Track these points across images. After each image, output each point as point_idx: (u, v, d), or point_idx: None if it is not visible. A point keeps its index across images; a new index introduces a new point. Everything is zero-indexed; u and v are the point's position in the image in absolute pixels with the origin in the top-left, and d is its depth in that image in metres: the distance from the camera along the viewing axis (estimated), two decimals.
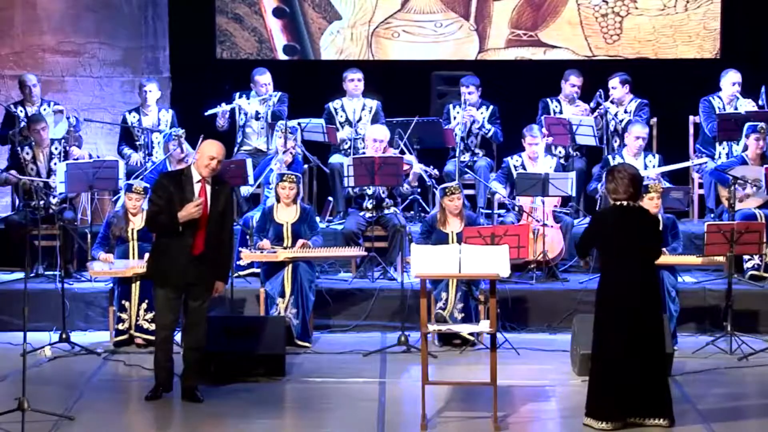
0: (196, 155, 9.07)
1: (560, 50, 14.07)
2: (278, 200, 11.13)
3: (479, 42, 14.10)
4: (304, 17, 14.12)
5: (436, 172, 12.33)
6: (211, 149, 8.91)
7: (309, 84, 13.77)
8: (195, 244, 8.84)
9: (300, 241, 10.92)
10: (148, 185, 10.96)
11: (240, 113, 13.05)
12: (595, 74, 13.29)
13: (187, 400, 8.99)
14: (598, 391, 8.34)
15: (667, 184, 11.96)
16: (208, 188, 8.90)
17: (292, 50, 14.16)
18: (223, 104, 12.91)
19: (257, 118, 13.03)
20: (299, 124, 12.63)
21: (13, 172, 12.14)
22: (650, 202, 10.58)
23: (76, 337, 10.79)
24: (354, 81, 12.93)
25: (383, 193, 12.03)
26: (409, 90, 13.71)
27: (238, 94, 13.07)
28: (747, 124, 12.10)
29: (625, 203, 8.40)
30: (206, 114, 12.84)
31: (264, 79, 13.00)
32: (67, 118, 12.81)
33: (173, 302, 8.97)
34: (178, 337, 9.48)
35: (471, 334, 10.51)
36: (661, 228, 10.48)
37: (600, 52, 14.06)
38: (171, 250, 8.88)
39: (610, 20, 14.02)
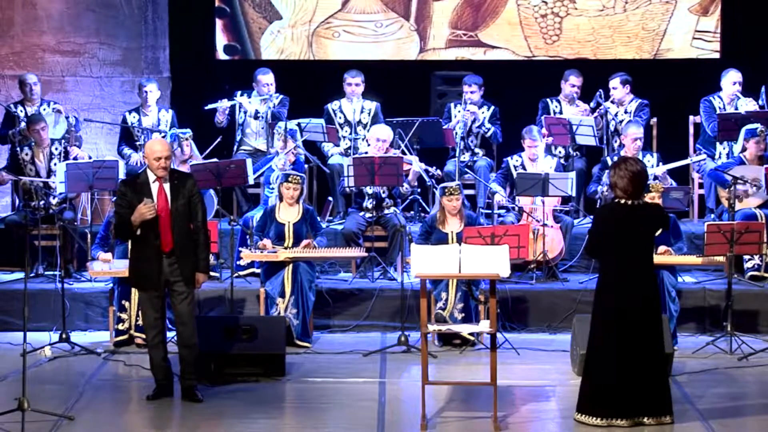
0: (143, 159, 9.10)
1: (500, 50, 14.07)
2: (281, 199, 11.12)
3: (420, 42, 14.10)
4: (244, 17, 14.11)
5: (438, 172, 12.33)
6: (154, 150, 8.96)
7: (308, 85, 13.77)
8: (163, 243, 8.91)
9: (304, 242, 10.91)
10: None
11: (240, 111, 13.06)
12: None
13: (187, 400, 9.00)
14: (592, 389, 8.32)
15: (673, 183, 11.98)
16: (167, 186, 8.96)
17: (233, 50, 14.15)
18: (225, 100, 12.92)
19: (256, 117, 13.03)
20: (299, 124, 12.64)
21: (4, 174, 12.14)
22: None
23: (76, 337, 10.79)
24: (352, 85, 12.94)
25: (383, 192, 12.03)
26: (405, 90, 13.75)
27: (239, 93, 13.08)
28: (745, 128, 12.05)
29: (625, 201, 8.35)
30: (206, 108, 12.86)
31: (266, 78, 13.01)
32: (67, 118, 12.81)
33: (155, 300, 9.01)
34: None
35: (471, 334, 10.50)
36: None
37: (540, 53, 14.06)
38: (143, 253, 8.96)
39: (550, 21, 14.02)
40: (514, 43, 14.04)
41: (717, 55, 13.96)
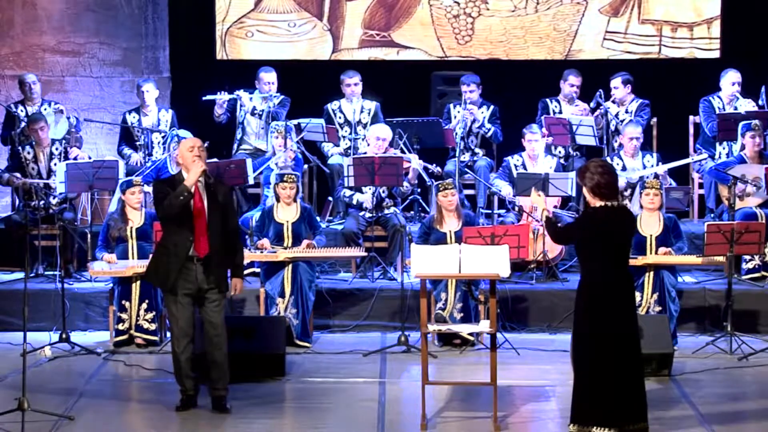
0: (178, 161, 8.90)
1: (413, 51, 14.09)
2: (278, 200, 11.13)
3: (333, 42, 14.11)
4: None
5: (438, 169, 12.33)
6: (186, 143, 8.82)
7: (307, 85, 13.77)
8: (197, 246, 8.67)
9: (305, 242, 10.91)
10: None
11: (241, 110, 13.06)
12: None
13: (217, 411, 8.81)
14: (584, 396, 8.07)
15: (672, 183, 11.97)
16: (202, 188, 8.73)
17: None
18: (224, 93, 12.90)
19: (253, 114, 13.01)
20: (299, 124, 12.64)
21: (17, 174, 12.13)
22: (646, 198, 10.60)
23: (76, 337, 10.80)
24: (351, 86, 12.96)
25: (383, 192, 12.04)
26: (406, 90, 13.76)
27: (242, 90, 13.04)
28: (741, 123, 12.09)
29: (609, 204, 8.18)
30: (204, 99, 12.84)
31: (269, 77, 12.99)
32: (68, 118, 12.83)
33: (187, 308, 8.71)
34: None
35: (471, 334, 10.51)
36: (661, 228, 10.59)
37: (452, 53, 14.08)
38: (174, 253, 8.66)
39: (462, 21, 14.03)
40: (426, 43, 14.06)
41: (629, 56, 13.97)
